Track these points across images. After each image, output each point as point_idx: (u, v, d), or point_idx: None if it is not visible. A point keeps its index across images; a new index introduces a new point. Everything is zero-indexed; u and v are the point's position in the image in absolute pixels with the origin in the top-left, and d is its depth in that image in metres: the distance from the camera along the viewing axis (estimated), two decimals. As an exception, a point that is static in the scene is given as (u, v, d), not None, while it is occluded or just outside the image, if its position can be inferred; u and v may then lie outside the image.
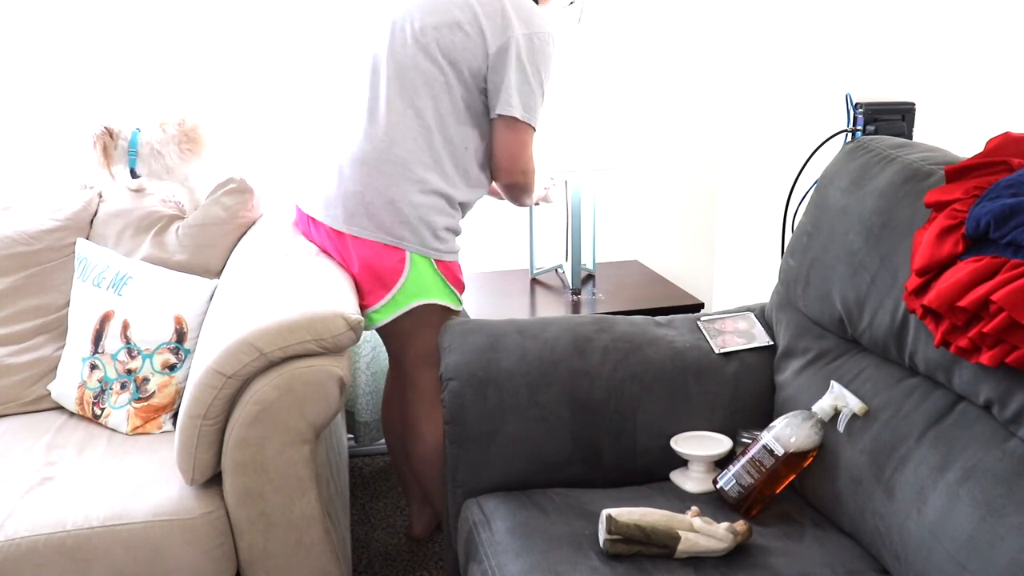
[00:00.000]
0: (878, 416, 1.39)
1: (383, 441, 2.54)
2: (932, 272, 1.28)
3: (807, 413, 1.47)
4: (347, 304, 1.58)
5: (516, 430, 1.56)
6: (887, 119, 1.87)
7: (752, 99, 2.42)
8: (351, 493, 2.38)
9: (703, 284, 2.71)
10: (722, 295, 2.69)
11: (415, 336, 1.82)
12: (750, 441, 1.51)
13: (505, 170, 1.80)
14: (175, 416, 1.80)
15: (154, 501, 1.52)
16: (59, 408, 1.92)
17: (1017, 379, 1.19)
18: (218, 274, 1.97)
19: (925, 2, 1.90)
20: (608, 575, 1.28)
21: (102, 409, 1.83)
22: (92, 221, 2.05)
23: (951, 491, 1.21)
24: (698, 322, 1.74)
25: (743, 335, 1.72)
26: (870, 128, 1.86)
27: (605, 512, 1.32)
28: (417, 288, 1.77)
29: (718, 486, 1.49)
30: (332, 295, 1.60)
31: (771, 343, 1.70)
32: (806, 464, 1.46)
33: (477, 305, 2.22)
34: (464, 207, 1.83)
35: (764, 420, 1.61)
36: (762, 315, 1.77)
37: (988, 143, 1.38)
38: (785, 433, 1.45)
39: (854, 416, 1.42)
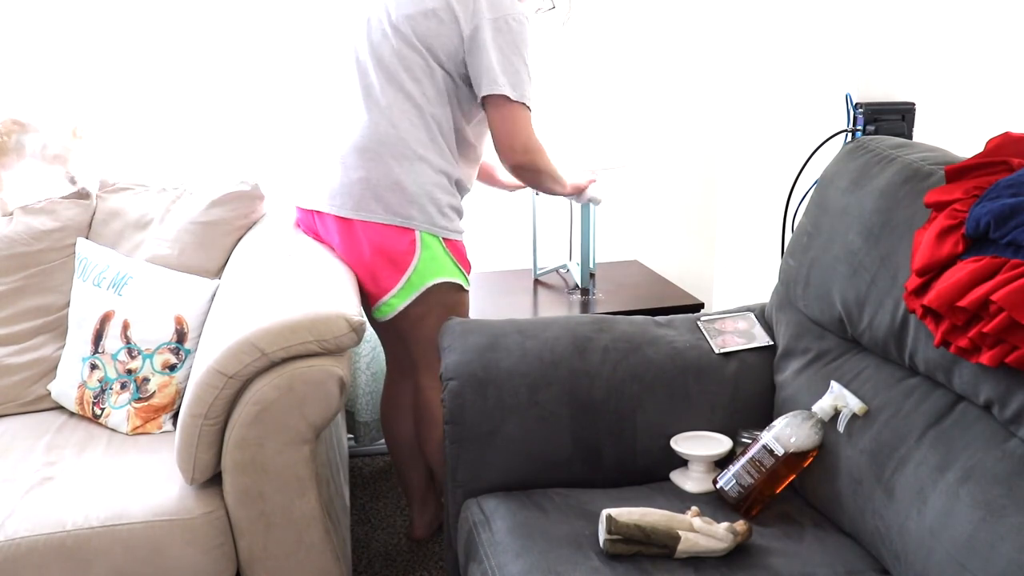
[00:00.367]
0: (878, 416, 1.39)
1: (383, 441, 2.54)
2: (932, 272, 1.28)
3: (807, 413, 1.47)
4: (349, 305, 1.58)
5: (516, 430, 1.56)
6: (887, 119, 1.88)
7: (752, 99, 2.42)
8: (351, 493, 2.38)
9: (703, 284, 2.71)
10: (722, 295, 2.69)
11: (429, 318, 1.82)
12: (750, 441, 1.51)
13: (505, 151, 1.79)
14: (175, 416, 1.80)
15: (154, 501, 1.52)
16: (59, 408, 1.92)
17: (1017, 379, 1.19)
18: (218, 274, 1.97)
19: (925, 2, 1.90)
20: (608, 575, 1.28)
21: (102, 409, 1.83)
22: (91, 221, 2.05)
23: (951, 491, 1.21)
24: (698, 322, 1.74)
25: (743, 335, 1.72)
26: (870, 128, 1.86)
27: (605, 512, 1.32)
28: (430, 268, 1.79)
29: (718, 486, 1.49)
30: (334, 295, 1.60)
31: (771, 343, 1.70)
32: (806, 464, 1.46)
33: (479, 305, 2.22)
34: (460, 187, 1.85)
35: (764, 420, 1.61)
36: (762, 315, 1.77)
37: (988, 143, 1.38)
38: (785, 433, 1.45)
39: (854, 416, 1.42)
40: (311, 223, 1.90)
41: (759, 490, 1.45)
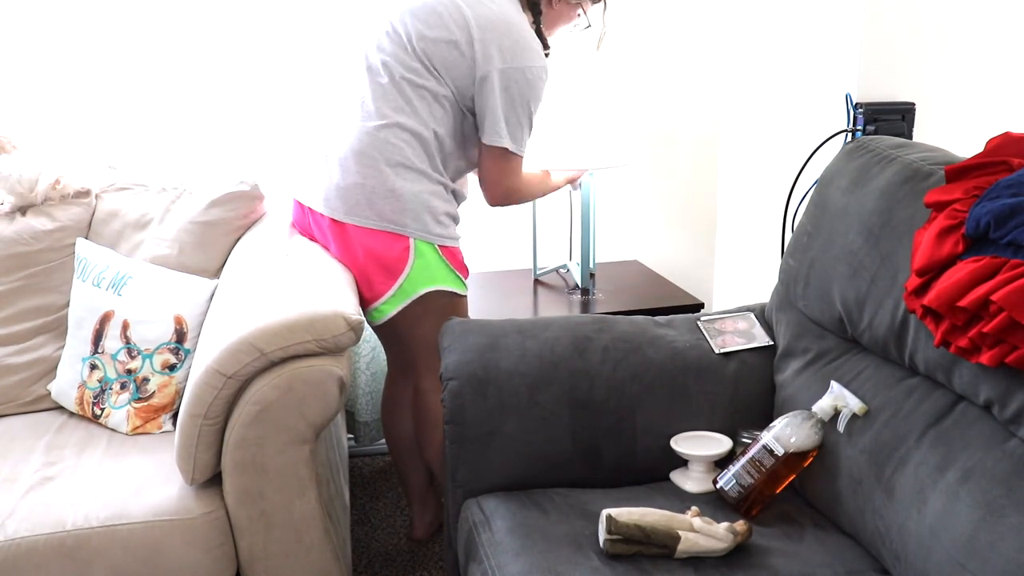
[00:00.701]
0: (878, 416, 1.39)
1: (383, 441, 2.54)
2: (932, 272, 1.28)
3: (807, 413, 1.47)
4: (347, 304, 1.58)
5: (516, 430, 1.56)
6: (887, 119, 1.88)
7: (752, 99, 2.42)
8: (351, 493, 2.38)
9: (703, 284, 2.71)
10: (722, 295, 2.69)
11: (425, 323, 1.82)
12: (750, 441, 1.51)
13: (490, 190, 1.88)
14: (175, 416, 1.80)
15: (154, 501, 1.52)
16: (59, 408, 1.92)
17: (1017, 379, 1.19)
18: (217, 273, 1.97)
19: (925, 2, 1.90)
20: (608, 575, 1.28)
21: (102, 409, 1.83)
22: (91, 221, 2.05)
23: (951, 491, 1.21)
24: (698, 322, 1.74)
25: (743, 335, 1.72)
26: (870, 128, 1.86)
27: (605, 512, 1.32)
28: (423, 275, 1.79)
29: (718, 486, 1.48)
30: (332, 295, 1.60)
31: (771, 343, 1.70)
32: (806, 464, 1.46)
33: (479, 305, 2.22)
34: (457, 196, 1.87)
35: (764, 420, 1.60)
36: (762, 315, 1.77)
37: (988, 143, 1.38)
38: (785, 433, 1.45)
39: (854, 416, 1.42)
40: (306, 221, 1.89)
41: (759, 490, 1.45)
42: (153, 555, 1.48)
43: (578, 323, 1.69)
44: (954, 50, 1.94)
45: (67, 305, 1.97)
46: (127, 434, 1.80)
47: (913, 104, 1.91)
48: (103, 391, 1.83)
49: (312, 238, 1.90)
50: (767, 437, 1.46)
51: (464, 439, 1.56)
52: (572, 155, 2.14)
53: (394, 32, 1.76)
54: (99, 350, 1.85)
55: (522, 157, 1.84)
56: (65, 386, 1.89)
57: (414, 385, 1.98)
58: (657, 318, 1.77)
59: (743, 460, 1.47)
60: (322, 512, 1.57)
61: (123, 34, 2.19)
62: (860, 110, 1.87)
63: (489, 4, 1.75)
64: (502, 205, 1.91)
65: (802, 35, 2.13)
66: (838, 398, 1.45)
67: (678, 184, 2.62)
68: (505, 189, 1.87)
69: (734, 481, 1.46)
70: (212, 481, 1.54)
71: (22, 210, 2.01)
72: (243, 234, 2.01)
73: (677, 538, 1.31)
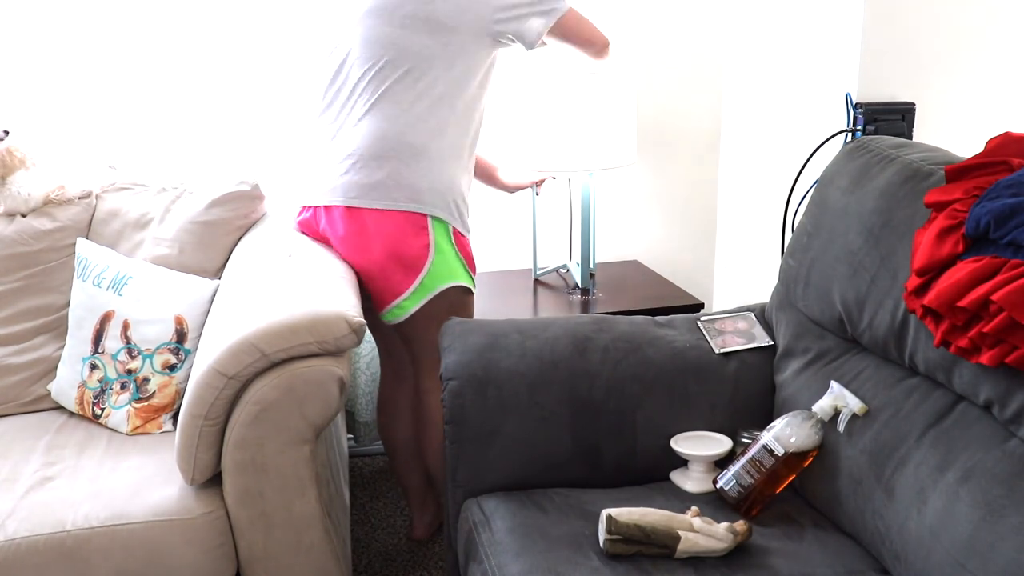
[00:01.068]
0: (878, 416, 1.39)
1: (383, 441, 2.54)
2: (932, 272, 1.28)
3: (807, 413, 1.47)
4: (349, 306, 1.58)
5: (516, 430, 1.56)
6: (887, 119, 1.88)
7: (752, 99, 2.42)
8: (351, 493, 2.38)
9: (703, 284, 2.71)
10: (722, 295, 2.69)
11: (439, 320, 1.83)
12: (750, 441, 1.51)
13: (592, 54, 1.93)
14: (175, 416, 1.80)
15: (154, 501, 1.52)
16: (59, 408, 1.92)
17: (1017, 379, 1.19)
18: (218, 274, 1.97)
19: (925, 2, 1.90)
20: (608, 575, 1.28)
21: (102, 409, 1.83)
22: (91, 221, 2.05)
23: (951, 491, 1.21)
24: (698, 322, 1.74)
25: (743, 335, 1.72)
26: (870, 128, 1.86)
27: (605, 512, 1.32)
28: (443, 271, 1.80)
29: (718, 486, 1.48)
30: (334, 296, 1.60)
31: (771, 343, 1.70)
32: (806, 464, 1.46)
33: (479, 305, 2.21)
34: (466, 184, 1.88)
35: (764, 420, 1.60)
36: (762, 315, 1.77)
37: (988, 143, 1.38)
38: (785, 433, 1.45)
39: (854, 416, 1.42)
40: (314, 224, 1.88)
41: (759, 490, 1.44)
42: (153, 555, 1.48)
43: (578, 323, 1.69)
44: (954, 50, 1.95)
45: (67, 305, 1.97)
46: (127, 434, 1.80)
47: (913, 104, 1.91)
48: (103, 391, 1.83)
49: (321, 239, 1.89)
50: (767, 437, 1.46)
51: (464, 439, 1.56)
52: (573, 156, 2.15)
53: (389, 14, 1.76)
54: (99, 350, 1.85)
55: (571, 8, 1.86)
56: (65, 386, 1.89)
57: (416, 385, 1.98)
58: (657, 318, 1.77)
59: (743, 460, 1.47)
60: (322, 512, 1.57)
61: (123, 34, 2.19)
62: (860, 110, 1.88)
63: None
64: (599, 56, 1.95)
65: (802, 35, 2.13)
66: (838, 398, 1.45)
67: (678, 184, 2.62)
68: (590, 40, 1.90)
69: (734, 481, 1.46)
70: (212, 481, 1.54)
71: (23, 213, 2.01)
72: (244, 234, 2.01)
73: (677, 538, 1.31)
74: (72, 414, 1.89)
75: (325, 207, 1.84)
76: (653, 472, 1.61)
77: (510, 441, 1.56)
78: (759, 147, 2.40)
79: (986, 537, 1.12)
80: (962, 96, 1.97)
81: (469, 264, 1.87)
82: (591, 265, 2.37)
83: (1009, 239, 1.20)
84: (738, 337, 1.71)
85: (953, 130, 1.96)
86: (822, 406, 1.45)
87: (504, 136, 2.26)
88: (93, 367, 1.85)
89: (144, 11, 2.19)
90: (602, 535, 1.32)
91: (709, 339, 1.70)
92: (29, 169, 1.99)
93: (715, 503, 1.48)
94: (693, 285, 2.68)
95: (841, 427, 1.43)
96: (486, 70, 1.84)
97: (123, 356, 1.83)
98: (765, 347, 1.70)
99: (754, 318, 1.76)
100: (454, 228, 1.81)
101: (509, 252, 2.52)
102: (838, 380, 1.49)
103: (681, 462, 1.59)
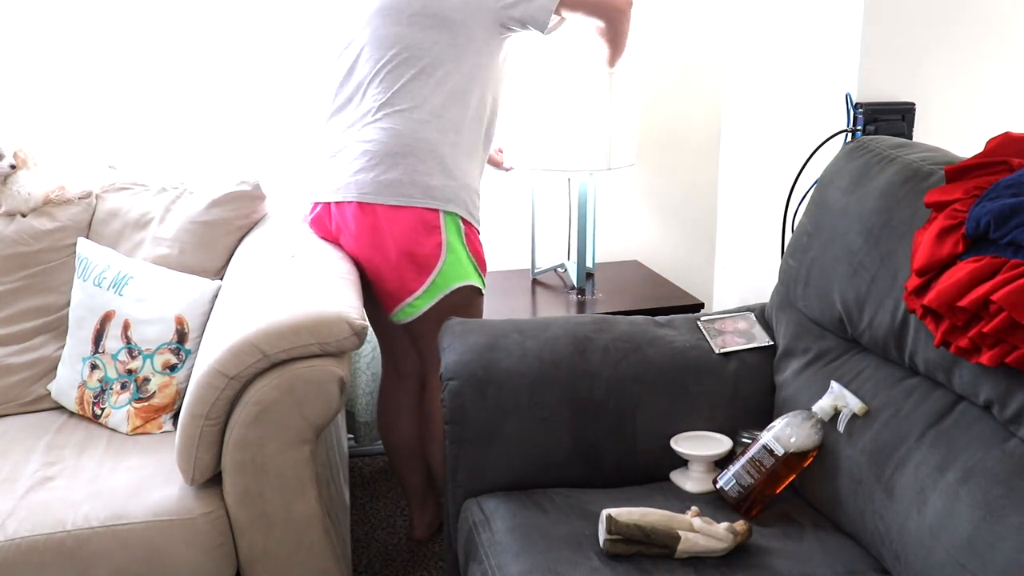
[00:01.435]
0: (878, 416, 1.39)
1: (383, 441, 2.54)
2: (932, 272, 1.28)
3: (807, 413, 1.47)
4: (351, 307, 1.58)
5: (516, 430, 1.56)
6: (887, 119, 1.87)
7: (752, 99, 2.42)
8: (351, 493, 2.38)
9: (703, 284, 2.71)
10: (722, 295, 2.69)
11: (447, 319, 1.83)
12: (750, 441, 1.51)
13: (615, 19, 1.88)
14: (175, 416, 1.80)
15: (154, 501, 1.52)
16: (59, 408, 1.92)
17: (1017, 379, 1.19)
18: (218, 274, 1.96)
19: (925, 2, 1.90)
20: (608, 575, 1.28)
21: (102, 409, 1.83)
22: (91, 221, 2.05)
23: (951, 491, 1.21)
24: (698, 322, 1.74)
25: (743, 335, 1.72)
26: (870, 128, 1.86)
27: (605, 512, 1.32)
28: (455, 270, 1.81)
29: (718, 486, 1.48)
30: (336, 297, 1.60)
31: (771, 343, 1.70)
32: (806, 464, 1.46)
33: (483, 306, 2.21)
34: (478, 178, 1.89)
35: (764, 420, 1.60)
36: (762, 315, 1.77)
37: (988, 143, 1.38)
38: (785, 433, 1.45)
39: (854, 416, 1.42)
40: (325, 221, 1.88)
41: (759, 490, 1.44)
42: (153, 555, 1.48)
43: (578, 323, 1.69)
44: (954, 50, 1.94)
45: (67, 305, 1.97)
46: (127, 434, 1.79)
47: (913, 104, 1.91)
48: (103, 391, 1.83)
49: (331, 238, 1.88)
50: (767, 437, 1.46)
51: (464, 439, 1.56)
52: (573, 157, 2.15)
53: (397, 12, 1.76)
54: (100, 350, 1.85)
55: None
56: (65, 386, 1.89)
57: (422, 383, 1.98)
58: (657, 318, 1.77)
59: (743, 460, 1.47)
60: (322, 512, 1.57)
61: (123, 34, 2.19)
62: (860, 110, 1.87)
63: None
64: (629, 17, 1.91)
65: (802, 35, 2.13)
66: (838, 398, 1.45)
67: (678, 184, 2.62)
68: (606, 7, 1.87)
69: (734, 481, 1.46)
70: (212, 481, 1.54)
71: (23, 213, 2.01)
72: (245, 234, 2.01)
73: (677, 538, 1.31)
74: (72, 414, 1.89)
75: (336, 203, 1.83)
76: (653, 472, 1.61)
77: (510, 441, 1.56)
78: (759, 147, 2.40)
79: (986, 537, 1.12)
80: (962, 96, 1.97)
81: (480, 264, 1.87)
82: (587, 265, 2.37)
83: (1009, 239, 1.20)
84: (738, 337, 1.71)
85: (953, 130, 1.96)
86: (822, 406, 1.45)
87: (507, 135, 2.25)
88: (93, 367, 1.85)
89: (144, 11, 2.19)
90: (602, 535, 1.32)
91: (709, 339, 1.70)
92: (30, 169, 1.99)
93: (715, 503, 1.48)
94: (693, 285, 2.67)
95: (841, 427, 1.43)
96: (499, 63, 1.84)
97: (123, 356, 1.83)
98: (765, 347, 1.70)
99: (754, 318, 1.76)
100: (465, 221, 1.82)
101: (507, 252, 2.52)
102: (838, 380, 1.49)
103: (681, 462, 1.59)
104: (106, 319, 1.86)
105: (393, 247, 1.78)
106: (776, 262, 2.08)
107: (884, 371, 1.44)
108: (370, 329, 2.15)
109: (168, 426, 1.80)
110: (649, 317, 1.77)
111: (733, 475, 1.47)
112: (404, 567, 2.08)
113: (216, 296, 1.85)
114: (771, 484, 1.45)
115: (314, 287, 1.65)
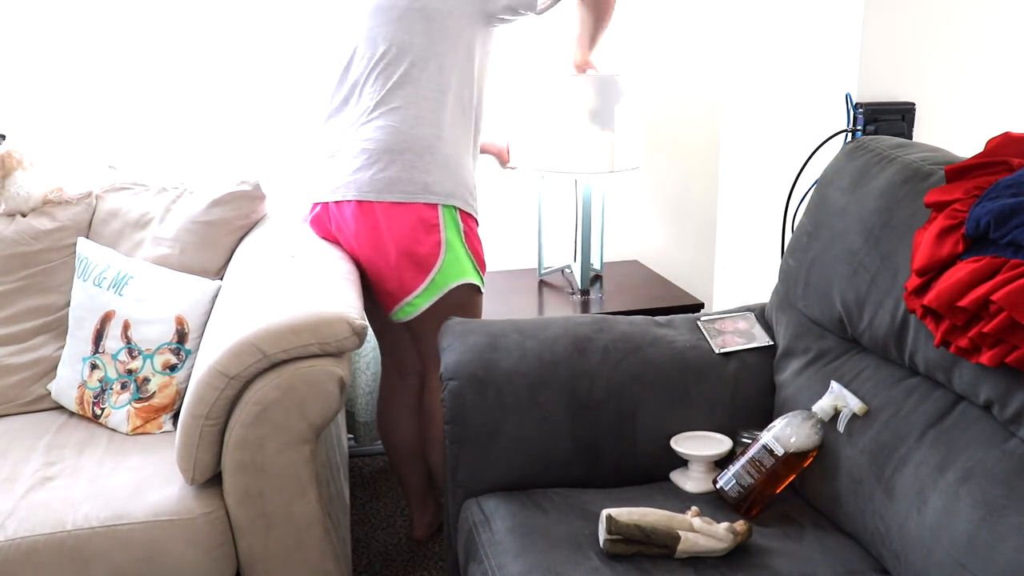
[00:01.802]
0: (878, 416, 1.39)
1: (383, 441, 2.53)
2: (932, 272, 1.28)
3: (807, 413, 1.47)
4: (351, 307, 1.58)
5: (516, 430, 1.56)
6: (887, 119, 1.88)
7: (752, 99, 2.42)
8: (351, 493, 2.38)
9: (703, 284, 2.71)
10: (722, 295, 2.69)
11: (446, 319, 1.83)
12: (750, 441, 1.51)
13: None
14: (175, 416, 1.80)
15: (154, 501, 1.52)
16: (59, 408, 1.92)
17: (1017, 379, 1.19)
18: (219, 274, 1.96)
19: (925, 2, 1.90)
20: (608, 575, 1.28)
21: (102, 409, 1.83)
22: (91, 221, 2.05)
23: (951, 491, 1.21)
24: (698, 322, 1.74)
25: (743, 335, 1.72)
26: (870, 128, 1.86)
27: (605, 512, 1.32)
28: (454, 269, 1.82)
29: (718, 486, 1.48)
30: (336, 297, 1.60)
31: (771, 343, 1.70)
32: (806, 464, 1.46)
33: (483, 305, 2.21)
34: (476, 154, 1.91)
35: (764, 420, 1.60)
36: (762, 315, 1.77)
37: (988, 143, 1.38)
38: (785, 433, 1.45)
39: (854, 416, 1.42)
40: (325, 220, 1.88)
41: (759, 490, 1.44)
42: (153, 555, 1.48)
43: (578, 323, 1.69)
44: (954, 50, 1.95)
45: (67, 305, 1.97)
46: (127, 434, 1.79)
47: (913, 104, 1.91)
48: (103, 391, 1.83)
49: (332, 238, 1.89)
50: (767, 437, 1.46)
51: (464, 439, 1.56)
52: (575, 158, 2.14)
53: (391, 7, 1.77)
54: (100, 350, 1.85)
55: None
56: (65, 386, 1.89)
57: (423, 383, 1.99)
58: (657, 318, 1.77)
59: (743, 460, 1.47)
60: (322, 512, 1.57)
61: (123, 34, 2.19)
62: (860, 110, 1.88)
63: None
64: None
65: (802, 35, 2.13)
66: (838, 398, 1.45)
67: (678, 184, 2.62)
68: None
69: (734, 481, 1.46)
70: (212, 481, 1.54)
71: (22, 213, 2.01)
72: (245, 234, 2.01)
73: (677, 538, 1.31)
74: (72, 414, 1.89)
75: (336, 203, 1.84)
76: (653, 472, 1.61)
77: (510, 441, 1.56)
78: (759, 147, 2.40)
79: (986, 537, 1.12)
80: (962, 96, 1.97)
81: (479, 263, 1.88)
82: (592, 266, 2.37)
83: (1009, 239, 1.20)
84: (738, 337, 1.71)
85: (953, 130, 1.96)
86: (822, 406, 1.45)
87: (511, 139, 2.25)
88: (93, 367, 1.85)
89: (144, 11, 2.19)
90: (602, 535, 1.32)
91: (709, 339, 1.70)
92: (27, 169, 1.99)
93: (715, 503, 1.48)
94: (693, 285, 2.68)
95: (841, 427, 1.43)
96: (487, 55, 1.86)
97: (123, 356, 1.83)
98: (765, 347, 1.70)
99: (754, 318, 1.76)
100: (464, 213, 1.83)
101: (515, 252, 2.53)
102: (838, 380, 1.49)
103: (681, 462, 1.59)
104: (106, 319, 1.86)
105: (392, 246, 1.78)
106: (776, 262, 2.09)
107: (884, 371, 1.45)
108: (370, 329, 2.16)
109: (168, 426, 1.81)
110: (649, 317, 1.77)
111: (733, 475, 1.47)
112: (404, 567, 2.08)
113: (216, 296, 1.85)
114: (771, 484, 1.45)
115: (314, 287, 1.65)
